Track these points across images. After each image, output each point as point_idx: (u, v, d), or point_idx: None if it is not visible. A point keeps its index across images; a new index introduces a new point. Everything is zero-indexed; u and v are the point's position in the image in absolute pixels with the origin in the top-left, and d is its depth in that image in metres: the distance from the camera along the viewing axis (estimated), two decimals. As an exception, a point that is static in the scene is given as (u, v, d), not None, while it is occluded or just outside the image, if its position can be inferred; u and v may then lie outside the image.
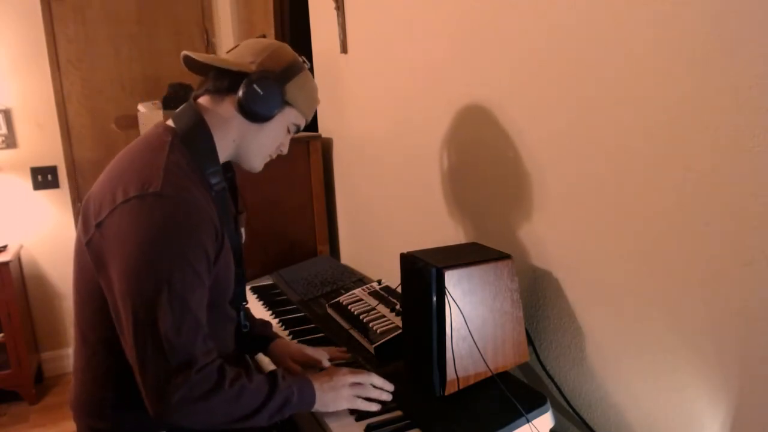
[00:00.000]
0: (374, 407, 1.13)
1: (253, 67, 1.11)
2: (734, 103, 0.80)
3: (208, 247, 1.02)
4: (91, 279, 1.04)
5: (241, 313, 1.27)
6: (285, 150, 1.24)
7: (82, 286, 1.08)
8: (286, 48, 1.18)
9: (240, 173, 1.26)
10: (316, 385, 1.10)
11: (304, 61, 1.19)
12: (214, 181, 1.10)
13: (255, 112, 1.11)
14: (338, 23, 2.02)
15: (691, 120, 0.87)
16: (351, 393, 1.12)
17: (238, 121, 1.13)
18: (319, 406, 1.09)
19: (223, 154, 1.15)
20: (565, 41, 1.08)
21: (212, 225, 1.04)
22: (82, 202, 1.09)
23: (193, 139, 1.10)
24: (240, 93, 1.09)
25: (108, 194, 1.01)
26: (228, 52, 1.17)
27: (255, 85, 1.08)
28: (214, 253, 1.04)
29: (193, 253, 0.99)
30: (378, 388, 1.15)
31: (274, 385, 1.04)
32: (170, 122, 1.14)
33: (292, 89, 1.14)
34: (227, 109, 1.12)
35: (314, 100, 1.22)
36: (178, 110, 1.15)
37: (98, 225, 1.01)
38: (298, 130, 1.22)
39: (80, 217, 1.08)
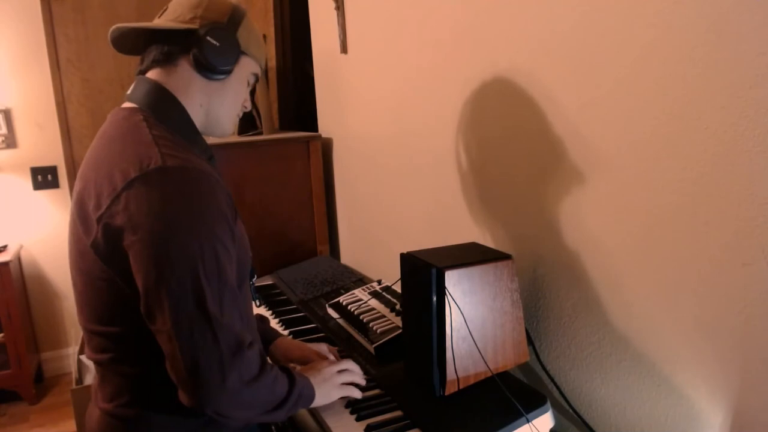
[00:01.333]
0: (359, 395, 1.17)
1: (198, 22, 1.04)
2: (734, 103, 0.80)
3: (228, 214, 0.95)
4: (106, 283, 0.96)
5: (252, 286, 1.24)
6: (248, 106, 1.19)
7: (92, 295, 1.00)
8: None
9: (239, 171, 1.25)
10: (311, 380, 1.10)
11: (243, 8, 1.13)
12: (199, 149, 1.06)
13: (215, 67, 1.04)
14: (338, 23, 2.02)
15: (691, 120, 0.87)
16: (339, 381, 1.15)
17: (200, 83, 1.06)
18: (318, 401, 1.10)
19: (196, 123, 1.09)
20: (567, 41, 1.08)
21: (224, 190, 0.97)
22: (73, 206, 1.01)
23: (163, 110, 1.03)
24: (194, 51, 1.03)
25: (103, 184, 0.93)
26: (159, 17, 1.09)
27: (209, 38, 1.02)
28: (233, 222, 0.97)
29: (216, 223, 0.92)
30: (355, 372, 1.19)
31: (292, 376, 1.03)
32: (128, 104, 1.06)
33: (243, 35, 1.08)
34: (184, 73, 1.05)
35: (263, 45, 1.17)
36: (130, 91, 1.07)
37: (100, 219, 0.92)
38: (256, 81, 1.17)
39: (73, 223, 1.00)
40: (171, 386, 0.92)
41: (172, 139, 0.99)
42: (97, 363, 1.04)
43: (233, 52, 1.07)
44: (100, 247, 0.93)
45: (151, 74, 1.07)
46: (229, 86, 1.10)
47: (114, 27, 1.06)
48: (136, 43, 1.10)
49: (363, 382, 1.20)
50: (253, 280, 1.25)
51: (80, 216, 0.97)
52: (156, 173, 0.90)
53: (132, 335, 0.97)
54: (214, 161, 1.12)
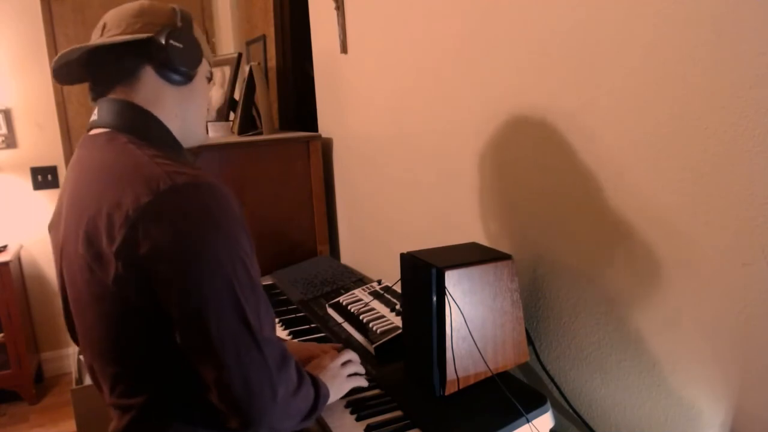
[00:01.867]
0: (365, 383, 1.19)
1: (151, 28, 0.98)
2: (734, 103, 0.80)
3: (242, 220, 0.92)
4: (131, 316, 0.90)
5: None
6: (211, 108, 1.18)
7: (116, 329, 0.93)
8: (154, 2, 1.05)
9: (239, 171, 1.24)
10: (322, 379, 1.09)
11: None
12: (188, 162, 1.01)
13: (182, 70, 1.00)
14: (338, 23, 2.02)
15: (691, 120, 0.87)
16: (346, 373, 1.16)
17: (170, 92, 1.02)
18: (333, 396, 1.10)
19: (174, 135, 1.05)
20: (567, 40, 1.08)
21: (234, 196, 0.93)
22: (68, 255, 0.95)
23: (142, 129, 0.98)
24: (159, 58, 0.98)
25: (113, 216, 0.86)
26: (101, 35, 1.02)
27: (172, 41, 0.97)
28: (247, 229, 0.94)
29: (240, 233, 0.89)
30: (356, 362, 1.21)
31: (316, 382, 1.02)
32: (96, 131, 0.99)
33: (197, 35, 1.04)
34: (150, 84, 1.00)
35: (206, 42, 1.12)
36: (95, 116, 1.00)
37: (119, 253, 0.85)
38: (210, 80, 1.13)
39: (80, 269, 0.92)
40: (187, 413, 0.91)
41: (165, 156, 0.94)
42: (126, 407, 0.95)
43: (197, 53, 1.03)
44: (125, 282, 0.87)
45: (114, 94, 1.00)
46: (196, 90, 1.07)
47: (60, 54, 0.99)
48: (84, 69, 1.03)
49: (363, 370, 1.22)
50: None
51: (91, 256, 0.89)
52: (170, 194, 0.85)
53: (168, 370, 0.92)
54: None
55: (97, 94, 1.02)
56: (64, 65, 1.02)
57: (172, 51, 0.98)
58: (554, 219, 1.17)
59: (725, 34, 0.80)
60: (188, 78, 1.03)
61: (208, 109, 1.16)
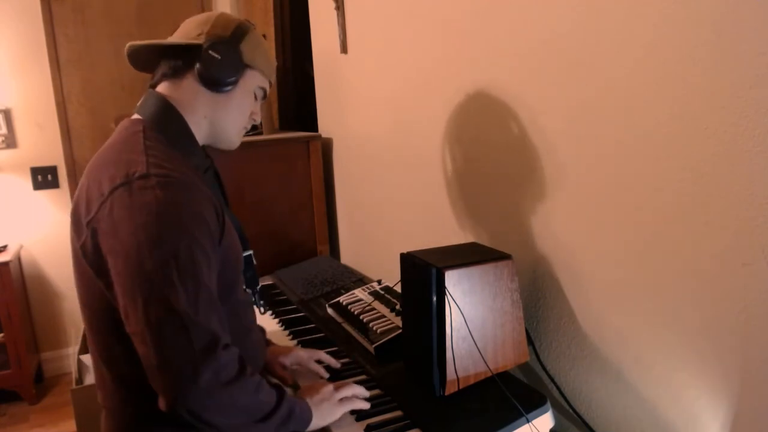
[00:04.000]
0: (366, 405, 1.14)
1: (202, 38, 1.08)
2: (734, 103, 0.80)
3: (209, 220, 0.98)
4: (95, 289, 0.99)
5: (257, 294, 1.25)
6: (258, 118, 1.21)
7: (90, 301, 1.03)
8: (228, 14, 1.16)
9: (239, 171, 1.25)
10: (309, 401, 1.09)
11: (248, 21, 1.17)
12: (196, 161, 1.09)
13: (217, 79, 1.08)
14: (338, 23, 2.02)
15: (691, 120, 0.87)
16: (338, 397, 1.13)
17: (205, 96, 1.10)
18: (318, 421, 1.08)
19: (199, 136, 1.13)
20: (567, 40, 1.08)
21: (209, 199, 1.00)
22: (71, 212, 1.05)
23: (163, 122, 1.07)
24: (197, 65, 1.07)
25: (93, 191, 0.98)
26: (171, 36, 1.14)
27: (210, 51, 1.07)
28: (217, 231, 1.00)
29: (194, 227, 0.94)
30: (360, 398, 1.16)
31: (282, 392, 1.02)
32: (135, 116, 1.11)
33: (247, 49, 1.12)
34: (190, 87, 1.10)
35: (272, 60, 1.19)
36: (139, 103, 1.12)
37: (89, 223, 0.96)
38: (264, 96, 1.20)
39: (71, 227, 1.04)
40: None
41: (164, 150, 1.02)
42: (99, 366, 1.06)
43: (236, 65, 1.10)
44: (87, 252, 0.97)
45: (160, 88, 1.12)
46: (234, 99, 1.13)
47: (128, 44, 1.12)
48: (149, 58, 1.14)
49: (362, 407, 1.15)
50: (257, 287, 1.25)
51: (74, 220, 1.02)
52: (139, 179, 0.94)
53: (124, 343, 0.96)
54: (211, 173, 1.15)
55: (152, 84, 1.14)
56: (133, 53, 1.13)
57: (208, 60, 1.07)
58: (554, 219, 1.17)
59: (725, 34, 0.80)
60: (223, 86, 1.10)
61: (253, 120, 1.20)
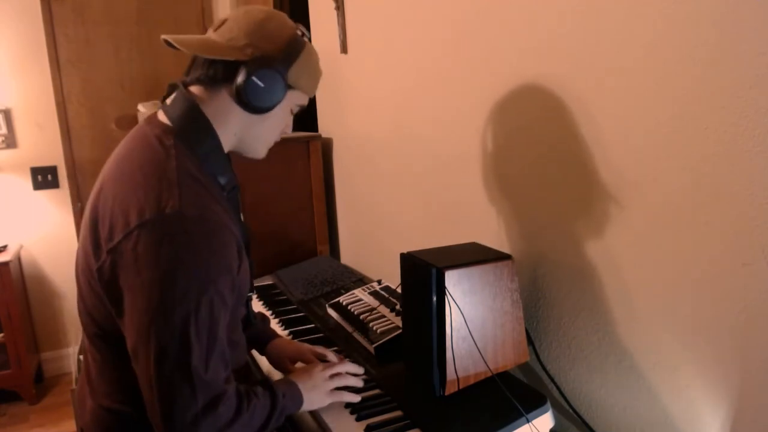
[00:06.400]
0: (356, 398, 1.16)
1: (249, 52, 0.98)
2: (734, 103, 0.80)
3: (232, 266, 0.94)
4: (103, 308, 0.97)
5: (249, 304, 1.24)
6: (289, 131, 1.15)
7: (95, 314, 1.01)
8: (282, 19, 1.04)
9: (239, 171, 1.23)
10: (300, 386, 1.09)
11: (303, 34, 1.06)
12: (224, 181, 1.03)
13: (256, 106, 1.00)
14: (338, 23, 2.02)
15: (691, 120, 0.87)
16: (331, 386, 1.14)
17: (239, 114, 1.02)
18: (306, 407, 1.10)
19: (227, 147, 1.06)
20: (567, 40, 1.08)
21: (235, 241, 0.95)
22: (88, 214, 1.00)
23: (195, 137, 0.99)
24: (237, 83, 0.98)
25: (119, 215, 0.91)
26: (216, 29, 1.03)
27: (254, 78, 0.97)
28: (236, 271, 0.97)
29: (219, 277, 0.91)
30: (353, 374, 1.18)
31: (275, 397, 1.02)
32: (162, 117, 1.02)
33: (295, 72, 1.02)
34: (224, 100, 1.01)
35: (318, 74, 1.10)
36: (170, 102, 1.03)
37: (111, 251, 0.91)
38: (301, 109, 1.13)
39: (87, 233, 0.97)
40: None
41: (196, 175, 0.96)
42: (93, 359, 1.06)
43: (278, 92, 1.01)
44: (103, 276, 0.93)
45: (194, 89, 1.03)
46: (269, 118, 1.06)
47: (170, 36, 1.02)
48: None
49: (359, 384, 1.18)
50: (251, 294, 1.23)
51: (92, 237, 0.96)
52: (171, 219, 0.88)
53: (123, 345, 0.96)
54: (238, 190, 1.10)
55: (184, 80, 1.04)
56: (169, 44, 1.03)
57: (250, 86, 0.98)
58: (554, 219, 1.17)
59: (725, 34, 0.80)
60: (260, 112, 1.02)
61: (284, 133, 1.14)
